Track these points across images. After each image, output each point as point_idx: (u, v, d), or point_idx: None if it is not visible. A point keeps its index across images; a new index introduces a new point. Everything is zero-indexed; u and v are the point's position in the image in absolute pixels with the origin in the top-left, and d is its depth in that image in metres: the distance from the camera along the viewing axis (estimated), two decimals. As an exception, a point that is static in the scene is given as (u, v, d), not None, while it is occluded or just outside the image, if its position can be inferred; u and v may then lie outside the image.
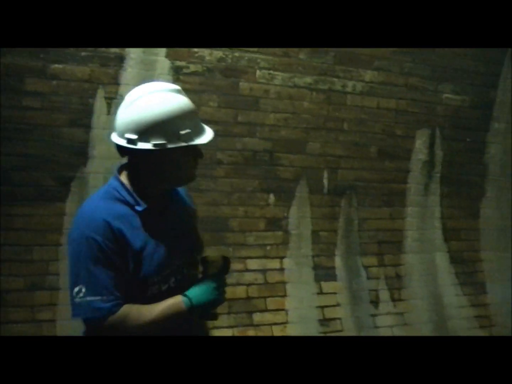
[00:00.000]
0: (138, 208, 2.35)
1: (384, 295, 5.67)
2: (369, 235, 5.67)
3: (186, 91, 4.56)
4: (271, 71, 5.04)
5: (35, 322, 4.36)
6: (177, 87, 2.39)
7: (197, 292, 2.34)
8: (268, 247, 5.23)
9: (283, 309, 5.21)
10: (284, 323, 5.18)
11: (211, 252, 2.59)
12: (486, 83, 6.04)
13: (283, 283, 5.26)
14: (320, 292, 5.39)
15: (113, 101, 4.56)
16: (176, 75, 4.74)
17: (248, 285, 5.11)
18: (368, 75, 5.41)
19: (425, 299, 5.86)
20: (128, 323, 2.28)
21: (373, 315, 5.58)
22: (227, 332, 4.93)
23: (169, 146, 2.28)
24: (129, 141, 2.28)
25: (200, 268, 2.48)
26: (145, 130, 2.27)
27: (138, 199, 2.36)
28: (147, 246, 2.33)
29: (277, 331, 5.12)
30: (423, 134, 5.82)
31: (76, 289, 2.25)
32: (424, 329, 5.74)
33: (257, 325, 5.08)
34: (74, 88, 4.48)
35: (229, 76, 4.91)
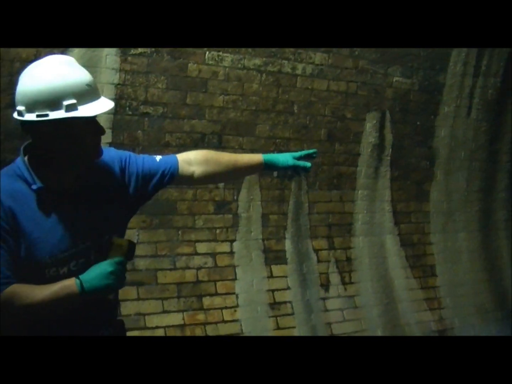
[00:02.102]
0: (34, 186, 2.29)
1: (334, 278, 5.69)
2: (319, 218, 5.68)
3: (134, 72, 4.52)
4: (220, 53, 4.98)
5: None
6: (70, 59, 2.33)
7: (90, 276, 2.27)
8: (218, 231, 5.20)
9: (233, 293, 5.20)
10: (234, 307, 5.17)
11: (141, 252, 2.52)
12: (436, 66, 6.07)
13: (233, 266, 5.24)
14: (270, 276, 5.39)
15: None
16: (124, 56, 4.65)
17: (198, 268, 5.07)
18: (318, 57, 5.38)
19: (375, 282, 5.90)
20: (16, 302, 2.22)
21: (324, 298, 5.60)
22: (177, 317, 4.90)
23: (51, 116, 2.21)
24: (19, 113, 2.23)
25: (104, 252, 2.39)
26: (29, 101, 2.21)
27: (35, 177, 2.29)
28: (41, 226, 2.28)
29: (227, 315, 5.10)
30: (373, 117, 5.84)
31: None
32: (374, 312, 5.78)
33: (207, 309, 5.06)
34: (17, 69, 4.35)
35: (177, 57, 4.84)
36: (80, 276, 2.27)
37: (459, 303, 6.29)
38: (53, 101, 2.21)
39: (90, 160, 2.40)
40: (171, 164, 2.63)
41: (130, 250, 2.41)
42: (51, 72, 2.23)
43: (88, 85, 2.30)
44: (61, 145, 2.28)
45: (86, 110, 2.27)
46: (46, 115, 2.20)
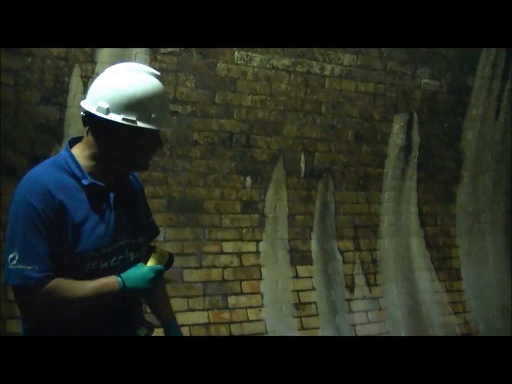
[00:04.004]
0: (84, 181, 2.31)
1: (359, 279, 5.68)
2: (345, 219, 5.67)
3: (163, 71, 4.54)
4: (249, 53, 4.98)
5: (8, 302, 4.27)
6: (158, 72, 2.39)
7: (132, 276, 2.33)
8: (244, 230, 5.20)
9: (258, 293, 5.20)
10: (259, 306, 5.17)
11: (168, 249, 2.58)
12: (464, 69, 6.04)
13: (259, 266, 5.24)
14: (296, 276, 5.38)
15: (89, 80, 4.48)
16: (153, 55, 4.67)
17: (224, 267, 5.08)
18: (347, 58, 5.38)
19: (400, 284, 5.87)
20: (57, 295, 2.25)
21: (348, 300, 5.59)
22: (202, 315, 4.90)
23: (139, 124, 2.27)
24: (100, 109, 2.25)
25: (144, 256, 2.48)
26: (119, 103, 2.26)
27: (85, 172, 2.33)
28: (88, 221, 2.30)
29: (252, 315, 5.10)
30: (401, 118, 5.82)
31: (11, 255, 2.22)
32: (399, 314, 5.76)
33: (232, 308, 5.06)
34: (49, 66, 4.39)
35: (207, 56, 4.85)
36: (122, 274, 2.32)
37: (484, 306, 6.25)
38: (145, 111, 2.29)
39: (139, 169, 2.51)
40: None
41: (169, 261, 2.51)
42: (152, 84, 2.32)
43: (169, 101, 2.43)
44: (125, 150, 2.34)
45: (165, 125, 2.40)
46: (134, 122, 2.27)
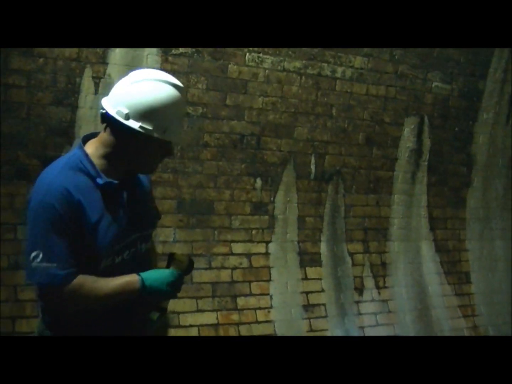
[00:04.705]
0: (99, 181, 2.37)
1: (368, 282, 5.68)
2: (355, 221, 5.67)
3: (174, 73, 4.56)
4: (261, 54, 5.00)
5: (18, 302, 4.33)
6: (179, 83, 2.43)
7: (152, 277, 2.42)
8: (254, 231, 5.21)
9: (267, 294, 5.21)
10: (268, 308, 5.18)
11: (177, 250, 2.68)
12: (475, 73, 6.03)
13: (268, 267, 5.25)
14: (305, 278, 5.39)
15: (100, 81, 4.51)
16: (165, 56, 4.70)
17: (233, 269, 5.10)
18: (358, 61, 5.38)
19: (410, 287, 5.87)
20: (83, 293, 2.32)
21: (357, 302, 5.58)
22: (211, 316, 4.92)
23: (155, 135, 2.35)
24: (119, 113, 2.33)
25: (165, 262, 2.60)
26: (139, 111, 2.32)
27: (100, 172, 2.38)
28: (103, 219, 2.36)
29: (261, 316, 5.11)
30: (412, 122, 5.81)
31: (34, 253, 2.26)
32: (408, 317, 5.75)
33: (241, 309, 5.07)
34: (60, 67, 4.42)
35: (218, 58, 4.87)
36: (142, 274, 2.42)
37: (494, 311, 6.23)
38: (162, 123, 2.36)
39: (146, 173, 2.62)
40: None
41: (189, 266, 2.65)
42: (172, 96, 2.38)
43: (185, 115, 2.47)
44: (136, 155, 2.41)
45: (177, 137, 2.48)
46: (150, 131, 2.35)
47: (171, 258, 2.59)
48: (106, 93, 4.47)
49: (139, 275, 2.39)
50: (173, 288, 2.45)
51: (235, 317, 5.02)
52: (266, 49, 5.02)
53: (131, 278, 2.38)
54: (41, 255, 2.26)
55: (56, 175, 2.33)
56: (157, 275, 2.43)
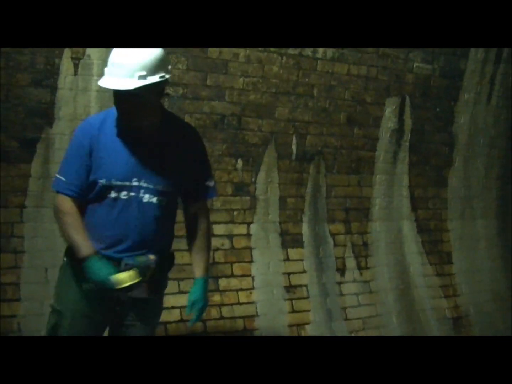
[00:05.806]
0: (119, 124, 2.95)
1: (350, 262, 5.69)
2: (337, 202, 5.67)
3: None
4: (241, 34, 4.96)
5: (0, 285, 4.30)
6: None
7: (97, 264, 2.91)
8: (235, 212, 5.20)
9: (249, 275, 5.21)
10: (250, 289, 5.18)
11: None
12: (457, 52, 6.03)
13: (250, 248, 5.25)
14: (287, 259, 5.39)
15: (80, 62, 4.46)
16: (144, 36, 4.65)
17: (215, 250, 5.06)
18: (339, 41, 5.35)
19: (391, 267, 5.89)
20: (61, 217, 3.00)
21: (339, 283, 5.60)
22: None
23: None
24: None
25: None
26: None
27: (123, 122, 2.94)
28: (110, 155, 2.93)
29: (243, 297, 5.12)
30: (393, 102, 5.81)
31: (59, 167, 3.04)
32: (390, 297, 5.78)
33: (223, 291, 5.07)
34: (39, 48, 4.36)
35: (198, 38, 4.83)
36: (94, 256, 2.92)
37: (475, 290, 6.27)
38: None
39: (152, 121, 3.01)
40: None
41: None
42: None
43: None
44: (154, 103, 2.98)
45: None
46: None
47: (128, 268, 2.93)
48: (85, 74, 4.44)
49: (94, 255, 2.91)
50: (105, 284, 2.88)
51: (217, 298, 5.01)
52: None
53: (87, 249, 2.91)
54: (60, 168, 3.02)
55: (92, 116, 3.29)
56: (102, 266, 2.89)
